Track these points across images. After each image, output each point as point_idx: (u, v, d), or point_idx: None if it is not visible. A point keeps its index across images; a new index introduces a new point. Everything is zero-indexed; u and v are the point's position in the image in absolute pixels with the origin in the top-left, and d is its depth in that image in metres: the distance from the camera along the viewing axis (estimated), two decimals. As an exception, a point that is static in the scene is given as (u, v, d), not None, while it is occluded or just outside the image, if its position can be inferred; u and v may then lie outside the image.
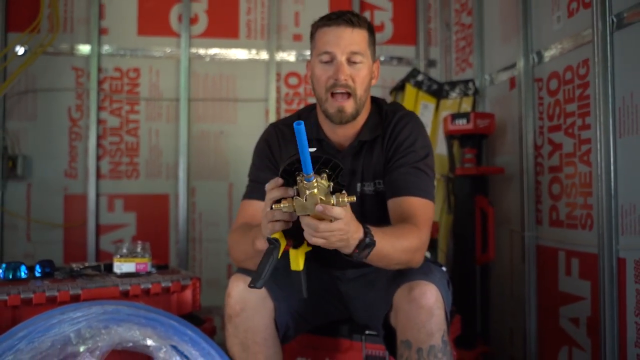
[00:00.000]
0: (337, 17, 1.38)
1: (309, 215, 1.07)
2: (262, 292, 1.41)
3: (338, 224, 1.06)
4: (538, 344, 2.06)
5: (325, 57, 1.38)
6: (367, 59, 1.40)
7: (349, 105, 1.38)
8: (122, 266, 1.60)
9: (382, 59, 2.89)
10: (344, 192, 1.06)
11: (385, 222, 1.42)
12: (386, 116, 1.47)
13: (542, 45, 2.08)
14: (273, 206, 1.09)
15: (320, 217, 1.06)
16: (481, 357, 2.26)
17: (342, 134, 1.47)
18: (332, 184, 1.07)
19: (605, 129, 1.65)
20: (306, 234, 1.09)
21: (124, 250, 1.62)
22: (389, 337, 1.34)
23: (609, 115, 1.64)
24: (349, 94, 1.38)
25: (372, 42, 1.43)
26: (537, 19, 2.11)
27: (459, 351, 2.01)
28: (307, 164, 0.99)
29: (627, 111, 1.60)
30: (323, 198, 1.04)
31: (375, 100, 1.54)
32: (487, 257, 2.27)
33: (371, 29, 1.42)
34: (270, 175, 1.49)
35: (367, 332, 1.51)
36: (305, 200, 1.05)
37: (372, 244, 1.15)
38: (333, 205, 1.04)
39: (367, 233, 1.14)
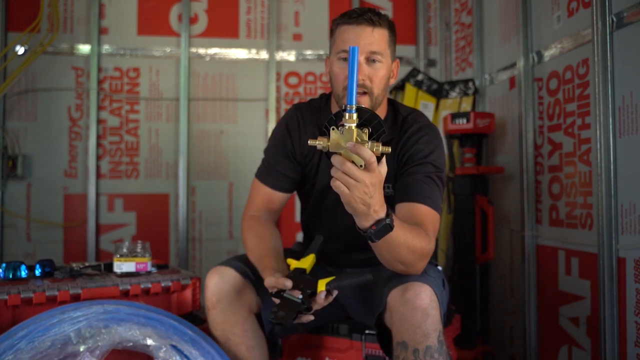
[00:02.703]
0: (358, 16, 1.37)
1: (340, 154, 1.04)
2: (239, 285, 1.43)
3: (365, 174, 1.03)
4: (538, 343, 2.06)
5: (344, 55, 1.38)
6: (387, 59, 1.39)
7: (364, 102, 1.38)
8: (122, 265, 1.60)
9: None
10: (380, 142, 1.04)
11: None
12: (404, 122, 1.47)
13: (542, 44, 2.08)
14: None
15: (351, 161, 1.04)
16: (481, 356, 2.26)
17: None
18: (370, 142, 1.04)
19: (605, 129, 1.65)
20: (332, 173, 1.05)
21: (124, 250, 1.62)
22: (383, 337, 1.34)
23: (609, 115, 1.64)
24: (365, 92, 1.38)
25: (393, 42, 1.42)
26: (537, 19, 2.11)
27: (459, 350, 2.01)
28: (351, 93, 0.99)
29: (627, 110, 1.60)
30: (359, 140, 1.02)
31: (392, 104, 1.54)
32: (487, 257, 2.27)
33: (392, 28, 1.42)
34: (283, 159, 1.53)
35: (367, 331, 1.51)
36: (342, 133, 1.02)
37: (390, 227, 1.12)
38: (366, 147, 1.02)
39: (388, 215, 1.12)
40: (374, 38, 1.36)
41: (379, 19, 1.38)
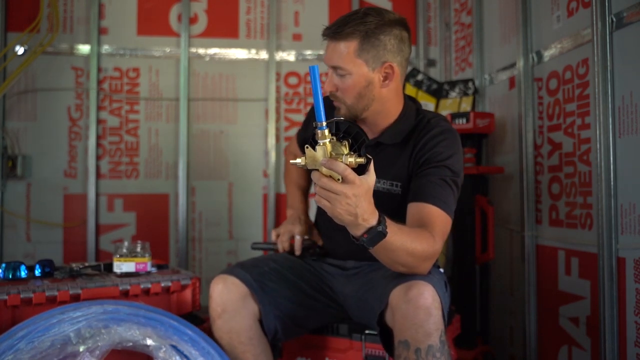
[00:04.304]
0: (326, 29, 1.42)
1: (318, 170, 1.06)
2: (243, 293, 1.44)
3: (343, 187, 1.03)
4: (538, 343, 2.06)
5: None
6: (355, 69, 1.39)
7: (341, 108, 1.46)
8: (122, 266, 1.59)
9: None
10: (353, 153, 1.05)
11: None
12: (427, 124, 1.47)
13: (541, 44, 2.08)
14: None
15: (329, 175, 1.05)
16: (481, 356, 2.26)
17: (365, 127, 1.51)
18: (352, 153, 1.05)
19: (604, 129, 1.65)
20: (314, 189, 1.08)
21: (124, 250, 1.62)
22: (384, 335, 1.34)
23: (609, 115, 1.64)
24: (338, 100, 1.46)
25: (372, 47, 1.39)
26: (536, 19, 2.11)
27: (459, 350, 2.01)
28: (319, 110, 1.00)
29: (627, 110, 1.60)
30: (333, 154, 1.03)
31: (416, 106, 1.54)
32: (486, 257, 2.27)
33: (370, 34, 1.38)
34: (304, 134, 1.72)
35: (367, 331, 1.51)
36: (316, 151, 1.04)
37: (383, 234, 1.13)
38: (340, 161, 1.03)
39: (380, 222, 1.12)
40: (335, 52, 1.40)
41: (342, 32, 1.38)
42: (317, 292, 1.57)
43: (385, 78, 1.43)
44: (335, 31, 1.39)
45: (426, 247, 1.23)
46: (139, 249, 1.63)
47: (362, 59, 1.40)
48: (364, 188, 1.06)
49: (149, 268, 1.62)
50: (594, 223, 1.78)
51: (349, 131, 1.05)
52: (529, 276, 2.08)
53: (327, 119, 1.06)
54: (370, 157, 1.07)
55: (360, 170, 1.06)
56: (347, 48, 1.39)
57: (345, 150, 1.05)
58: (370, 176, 1.08)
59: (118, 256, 1.60)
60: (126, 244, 1.64)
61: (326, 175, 1.05)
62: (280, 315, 1.48)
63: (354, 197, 1.05)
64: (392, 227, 1.15)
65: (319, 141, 1.03)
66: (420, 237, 1.23)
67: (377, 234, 1.12)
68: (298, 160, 1.08)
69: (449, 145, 1.42)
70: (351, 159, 1.04)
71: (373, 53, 1.40)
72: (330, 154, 1.03)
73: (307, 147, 1.06)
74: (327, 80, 1.44)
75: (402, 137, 1.47)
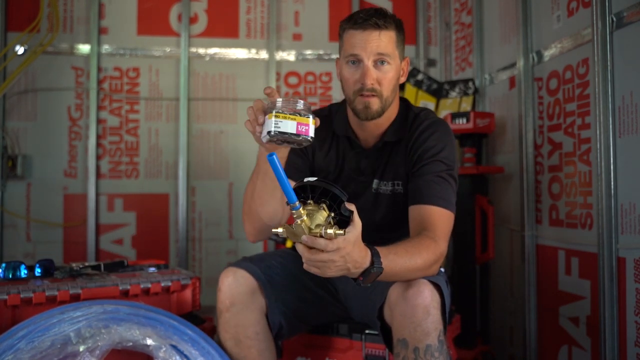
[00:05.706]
0: (364, 21, 1.38)
1: (301, 242, 1.06)
2: (252, 287, 1.43)
3: (329, 255, 1.04)
4: (538, 343, 2.06)
5: (352, 59, 1.40)
6: (395, 60, 1.40)
7: (374, 102, 1.40)
8: (279, 123, 1.16)
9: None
10: (333, 224, 1.04)
11: (397, 223, 1.43)
12: (415, 119, 1.48)
13: (541, 44, 2.08)
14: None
15: (311, 246, 1.05)
16: (481, 356, 2.26)
17: (368, 132, 1.50)
18: (332, 214, 1.05)
19: (604, 128, 1.65)
20: (302, 258, 1.08)
21: (278, 105, 1.18)
22: (385, 331, 1.34)
23: (609, 115, 1.64)
24: (374, 95, 1.40)
25: (401, 40, 1.43)
26: (536, 18, 2.11)
27: (459, 350, 2.01)
28: (288, 193, 1.00)
29: (627, 110, 1.60)
30: (312, 228, 1.03)
31: (405, 102, 1.55)
32: (487, 257, 2.27)
33: (400, 27, 1.43)
34: (293, 155, 1.52)
35: (367, 331, 1.51)
36: (294, 228, 1.04)
37: (379, 272, 1.13)
38: (320, 236, 1.03)
39: (374, 262, 1.12)
40: (381, 41, 1.37)
41: (385, 22, 1.38)
42: (321, 288, 1.57)
43: (403, 74, 1.46)
44: (377, 22, 1.38)
45: (427, 257, 1.23)
46: (301, 106, 1.19)
47: (398, 50, 1.42)
48: (350, 246, 1.06)
49: (311, 133, 1.19)
50: (594, 223, 1.78)
51: (325, 193, 1.04)
52: (529, 276, 2.08)
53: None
54: (352, 209, 1.06)
55: (345, 222, 1.06)
56: (391, 37, 1.40)
57: (325, 213, 1.04)
58: (355, 227, 1.07)
59: (274, 112, 1.17)
60: (280, 99, 1.19)
61: (310, 248, 1.05)
62: (285, 311, 1.47)
63: (341, 258, 1.06)
64: (387, 257, 1.15)
65: (295, 219, 1.03)
66: (420, 248, 1.23)
67: (372, 274, 1.13)
68: (280, 230, 1.07)
69: (440, 138, 1.43)
70: (330, 231, 1.03)
71: (402, 47, 1.44)
72: (310, 229, 1.03)
73: (284, 226, 1.06)
74: (367, 74, 1.36)
75: (401, 135, 1.48)
